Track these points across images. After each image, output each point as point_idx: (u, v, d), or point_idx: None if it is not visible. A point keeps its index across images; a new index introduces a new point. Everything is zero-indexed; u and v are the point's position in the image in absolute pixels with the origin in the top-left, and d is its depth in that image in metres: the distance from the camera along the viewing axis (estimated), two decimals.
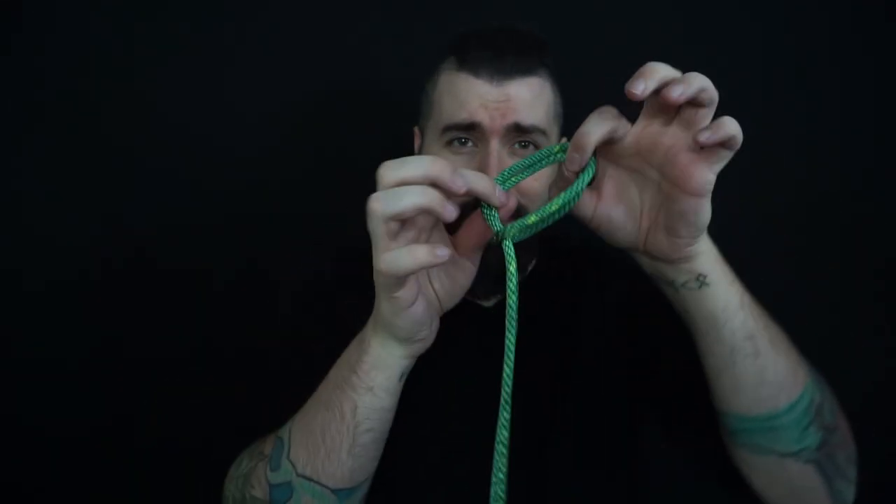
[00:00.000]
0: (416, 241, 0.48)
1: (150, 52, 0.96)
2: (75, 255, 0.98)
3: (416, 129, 0.78)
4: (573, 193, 0.47)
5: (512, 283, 0.48)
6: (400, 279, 0.46)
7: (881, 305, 0.98)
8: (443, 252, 0.44)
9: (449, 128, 0.68)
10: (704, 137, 0.43)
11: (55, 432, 0.99)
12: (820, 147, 0.97)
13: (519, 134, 0.67)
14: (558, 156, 0.49)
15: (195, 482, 0.94)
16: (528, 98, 0.66)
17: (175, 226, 0.99)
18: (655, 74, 0.42)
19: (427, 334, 0.53)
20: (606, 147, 0.48)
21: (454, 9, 0.93)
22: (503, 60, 0.66)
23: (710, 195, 0.46)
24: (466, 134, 0.68)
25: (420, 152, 0.75)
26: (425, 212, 0.45)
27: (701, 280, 0.51)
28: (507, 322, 0.48)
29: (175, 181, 0.98)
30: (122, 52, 0.95)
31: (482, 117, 0.65)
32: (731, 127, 0.43)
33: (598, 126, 0.45)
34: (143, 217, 0.99)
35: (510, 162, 0.67)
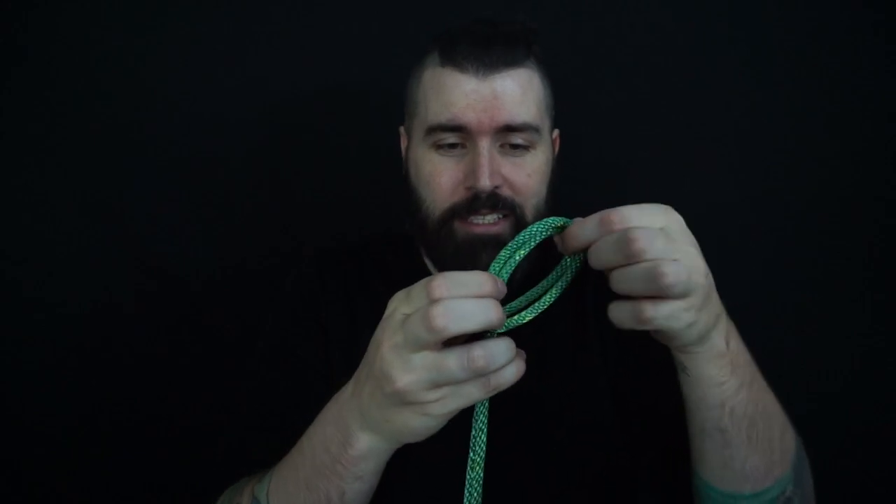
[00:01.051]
0: None
1: (151, 52, 0.95)
2: (75, 254, 0.98)
3: (401, 130, 0.76)
4: (562, 288, 0.46)
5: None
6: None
7: (881, 305, 0.98)
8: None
9: (434, 128, 0.65)
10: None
11: (54, 433, 0.99)
12: (819, 147, 0.97)
13: (510, 132, 0.64)
14: (558, 230, 0.47)
15: (194, 484, 0.94)
16: (517, 93, 0.64)
17: (173, 226, 0.98)
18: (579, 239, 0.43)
19: None
20: None
21: (455, 9, 0.94)
22: (489, 52, 0.63)
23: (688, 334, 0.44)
24: (453, 135, 0.65)
25: (406, 154, 0.73)
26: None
27: (681, 368, 0.50)
28: (474, 420, 0.45)
29: (175, 181, 0.98)
30: (122, 52, 0.95)
31: (469, 119, 0.63)
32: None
33: (589, 233, 0.43)
34: (143, 217, 0.98)
35: (501, 161, 0.65)
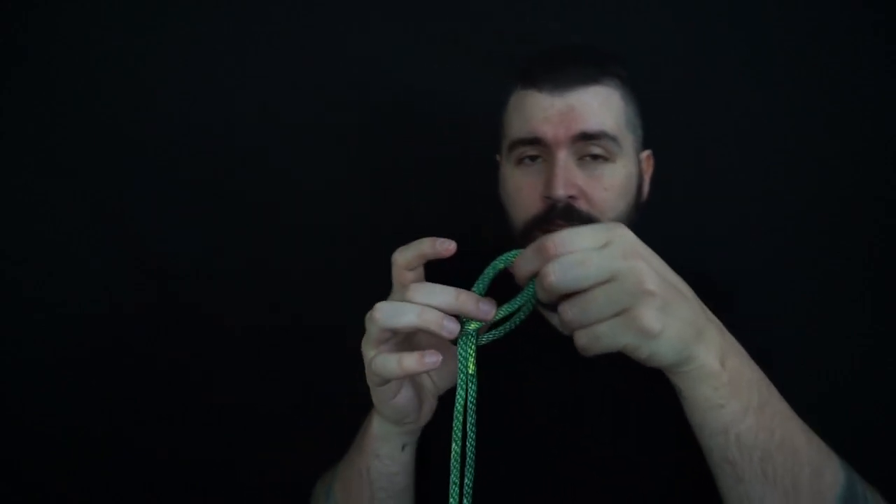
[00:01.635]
0: (406, 342, 0.51)
1: (151, 52, 0.96)
2: (75, 254, 0.98)
3: (497, 158, 0.77)
4: (525, 314, 0.47)
5: (470, 381, 0.48)
6: (386, 380, 0.49)
7: (881, 305, 0.98)
8: (432, 359, 0.45)
9: (515, 143, 0.68)
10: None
11: (54, 433, 0.99)
12: (819, 147, 0.97)
13: (587, 142, 0.65)
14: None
15: (195, 483, 0.94)
16: (593, 105, 0.66)
17: (173, 226, 0.99)
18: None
19: (415, 418, 0.54)
20: None
21: (459, 13, 0.93)
22: (564, 72, 0.66)
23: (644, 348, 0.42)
24: (533, 149, 0.67)
25: (498, 177, 0.74)
26: (422, 331, 0.46)
27: (678, 391, 0.48)
28: (455, 428, 0.48)
29: (175, 181, 0.98)
30: (122, 52, 0.95)
31: (545, 131, 0.65)
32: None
33: (529, 265, 0.44)
34: (143, 217, 0.98)
35: (577, 172, 0.65)
